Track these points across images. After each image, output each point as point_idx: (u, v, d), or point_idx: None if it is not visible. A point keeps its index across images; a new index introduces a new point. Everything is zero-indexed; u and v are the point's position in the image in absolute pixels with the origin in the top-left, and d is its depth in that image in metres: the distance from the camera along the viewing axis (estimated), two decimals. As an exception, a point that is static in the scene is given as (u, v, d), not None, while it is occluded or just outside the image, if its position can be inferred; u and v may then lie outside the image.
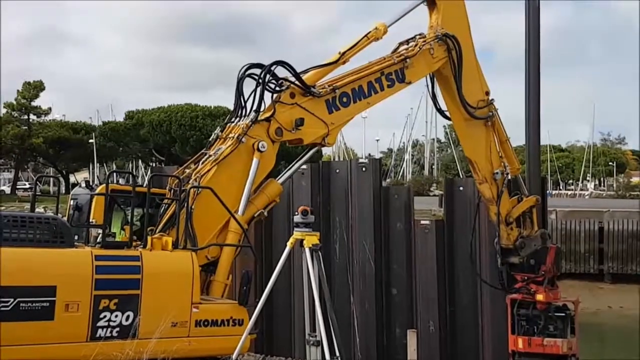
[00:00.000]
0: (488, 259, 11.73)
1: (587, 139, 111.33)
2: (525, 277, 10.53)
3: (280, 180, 9.80)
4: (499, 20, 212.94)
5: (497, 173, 10.56)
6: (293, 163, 10.22)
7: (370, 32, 9.81)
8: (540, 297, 10.35)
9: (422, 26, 10.55)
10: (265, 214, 9.52)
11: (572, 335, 10.46)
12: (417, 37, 10.25)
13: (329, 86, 9.50)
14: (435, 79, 10.57)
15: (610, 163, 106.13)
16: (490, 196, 10.56)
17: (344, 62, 9.74)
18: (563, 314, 10.48)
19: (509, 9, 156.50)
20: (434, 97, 10.77)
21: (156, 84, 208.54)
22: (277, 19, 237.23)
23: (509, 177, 10.68)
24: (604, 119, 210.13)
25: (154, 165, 60.46)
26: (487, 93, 10.67)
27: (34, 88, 65.23)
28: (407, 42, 10.24)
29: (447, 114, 10.70)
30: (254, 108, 9.16)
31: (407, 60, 9.90)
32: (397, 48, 10.22)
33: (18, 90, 65.18)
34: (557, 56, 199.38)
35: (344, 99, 9.63)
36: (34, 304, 7.43)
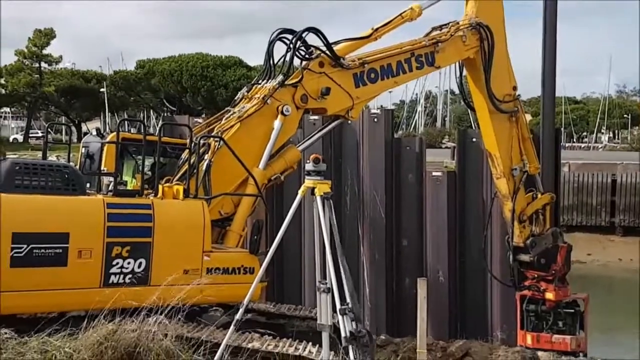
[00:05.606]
0: (500, 254, 11.76)
1: (603, 90, 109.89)
2: (536, 275, 10.53)
3: (300, 148, 9.88)
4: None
5: (515, 169, 10.51)
6: (314, 133, 10.36)
7: (405, 11, 9.86)
8: (550, 295, 10.40)
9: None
10: (282, 178, 9.64)
11: (581, 331, 10.51)
12: (451, 24, 10.25)
13: (358, 60, 9.55)
14: (464, 68, 10.55)
15: (625, 115, 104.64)
16: (506, 192, 10.52)
17: (375, 39, 9.80)
18: (572, 310, 10.54)
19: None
20: (461, 86, 10.80)
21: (167, 33, 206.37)
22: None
23: (527, 174, 10.61)
24: (624, 70, 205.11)
25: (165, 115, 60.44)
26: (515, 88, 10.62)
27: (45, 35, 64.69)
28: (441, 27, 10.25)
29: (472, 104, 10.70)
30: (283, 72, 9.20)
31: (439, 44, 9.96)
32: (430, 32, 10.23)
33: (29, 38, 64.77)
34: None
35: (372, 75, 9.69)
36: (47, 250, 7.53)
